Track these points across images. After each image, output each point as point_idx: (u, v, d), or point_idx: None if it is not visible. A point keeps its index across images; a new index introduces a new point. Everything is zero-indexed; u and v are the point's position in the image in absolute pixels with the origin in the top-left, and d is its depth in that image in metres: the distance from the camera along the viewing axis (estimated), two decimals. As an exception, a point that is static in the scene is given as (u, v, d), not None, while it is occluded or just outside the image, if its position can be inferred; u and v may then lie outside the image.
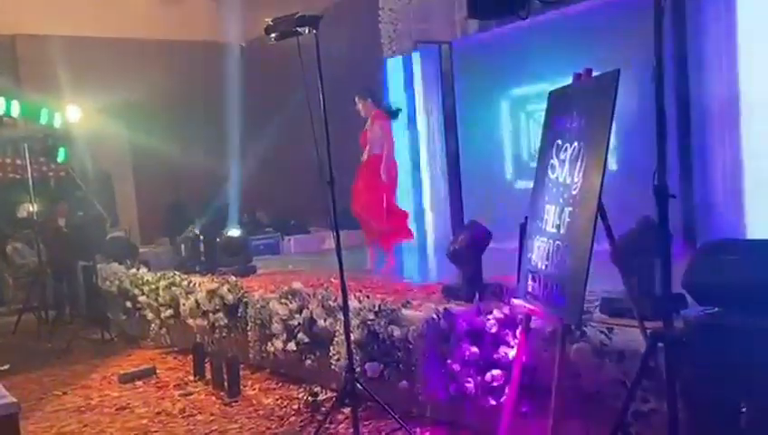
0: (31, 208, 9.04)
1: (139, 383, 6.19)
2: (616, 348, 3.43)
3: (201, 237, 8.23)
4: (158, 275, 7.62)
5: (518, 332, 3.82)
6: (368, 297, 4.98)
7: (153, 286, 7.47)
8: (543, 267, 3.48)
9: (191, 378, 6.19)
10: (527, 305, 3.62)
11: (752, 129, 6.03)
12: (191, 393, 5.79)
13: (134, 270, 8.19)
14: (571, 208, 3.30)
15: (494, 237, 4.79)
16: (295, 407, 5.14)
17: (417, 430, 4.41)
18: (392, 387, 4.58)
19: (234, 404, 5.40)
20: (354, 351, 4.56)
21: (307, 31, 4.16)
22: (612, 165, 7.16)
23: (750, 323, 2.88)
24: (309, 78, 4.13)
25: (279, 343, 5.57)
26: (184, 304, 6.86)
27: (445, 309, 4.33)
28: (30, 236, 9.65)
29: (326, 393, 5.19)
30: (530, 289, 3.61)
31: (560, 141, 3.52)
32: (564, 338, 3.36)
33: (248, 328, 6.03)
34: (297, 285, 5.76)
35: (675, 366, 2.87)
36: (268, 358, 5.83)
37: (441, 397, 4.23)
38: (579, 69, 3.53)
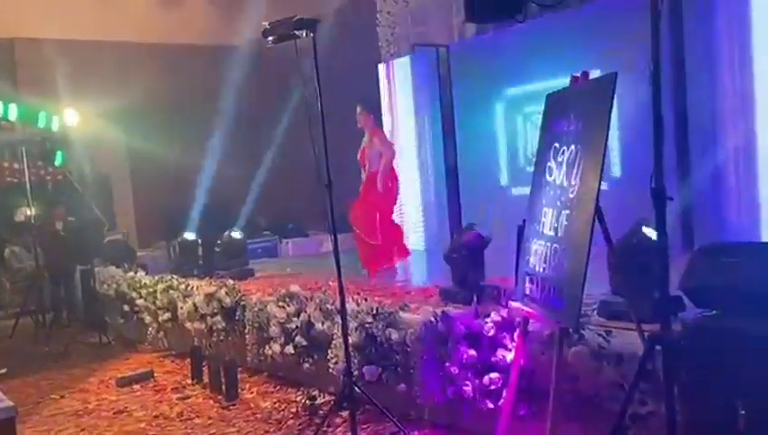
0: (28, 212, 9.02)
1: (136, 387, 6.19)
2: (614, 351, 3.43)
3: (199, 241, 8.23)
4: (156, 278, 7.61)
5: (516, 335, 3.82)
6: (365, 300, 4.98)
7: (151, 290, 7.46)
8: (541, 270, 3.48)
9: (189, 381, 6.18)
10: (525, 308, 3.61)
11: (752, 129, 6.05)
12: (189, 397, 5.79)
13: (132, 274, 8.18)
14: (568, 211, 3.30)
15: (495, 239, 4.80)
16: (293, 410, 5.13)
17: (416, 433, 4.41)
18: (390, 390, 4.58)
19: (231, 408, 5.40)
20: (352, 354, 4.56)
21: (305, 34, 4.16)
22: (616, 171, 7.14)
23: (748, 326, 2.88)
24: (307, 81, 4.14)
25: (277, 347, 5.56)
26: (182, 308, 6.85)
27: (442, 312, 4.33)
28: (27, 239, 9.63)
29: (324, 397, 5.19)
30: (527, 292, 3.61)
31: (557, 144, 3.52)
32: (562, 341, 3.35)
33: (246, 331, 6.03)
34: (295, 288, 5.76)
35: (672, 369, 2.87)
36: (266, 361, 5.83)
37: (439, 400, 4.23)
38: (576, 71, 3.54)
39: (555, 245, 3.37)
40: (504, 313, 4.00)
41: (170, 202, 11.35)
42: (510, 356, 3.83)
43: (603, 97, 3.19)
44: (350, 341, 4.58)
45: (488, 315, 4.06)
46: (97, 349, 7.82)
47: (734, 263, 3.10)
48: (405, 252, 7.40)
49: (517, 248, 3.80)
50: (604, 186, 6.58)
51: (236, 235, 8.10)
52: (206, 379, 6.00)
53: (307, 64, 4.16)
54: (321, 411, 4.95)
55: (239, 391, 5.65)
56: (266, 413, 5.18)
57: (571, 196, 3.29)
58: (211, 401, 5.60)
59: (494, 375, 3.90)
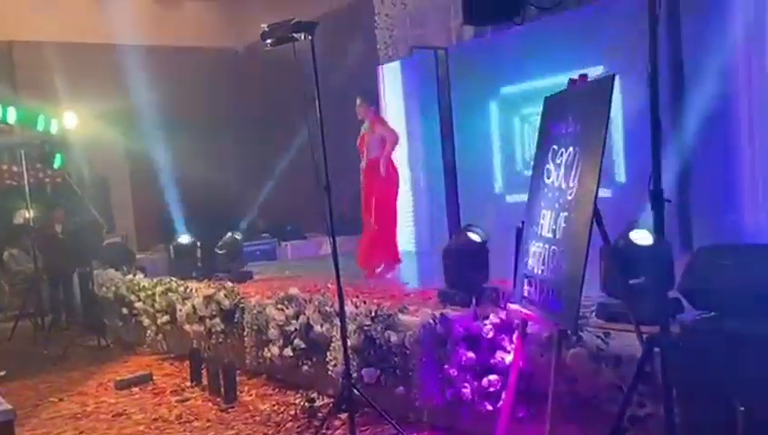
0: (27, 215, 9.02)
1: (135, 390, 6.18)
2: (612, 353, 3.43)
3: (198, 243, 8.23)
4: (155, 281, 7.61)
5: (514, 337, 3.83)
6: (364, 303, 4.98)
7: (149, 292, 7.46)
8: (539, 272, 3.48)
9: (188, 384, 6.18)
10: (523, 310, 3.62)
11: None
12: (188, 399, 5.78)
13: (130, 276, 8.18)
14: (566, 214, 3.30)
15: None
16: (292, 413, 5.13)
17: (414, 435, 4.41)
18: (389, 392, 4.58)
19: (230, 410, 5.39)
20: (351, 356, 4.56)
21: (303, 37, 4.17)
22: (620, 177, 7.07)
23: (746, 328, 2.88)
24: (305, 84, 4.14)
25: (276, 349, 5.56)
26: (180, 310, 6.85)
27: (441, 314, 4.33)
28: (26, 242, 9.63)
29: (323, 399, 5.19)
30: (526, 294, 3.61)
31: (555, 146, 3.53)
32: (560, 343, 3.36)
33: (245, 334, 6.02)
34: (294, 290, 5.76)
35: (671, 371, 2.87)
36: (265, 364, 5.83)
37: (438, 402, 4.23)
38: (574, 74, 3.54)
39: (554, 247, 3.38)
40: (503, 315, 4.01)
41: (169, 205, 11.34)
42: (509, 358, 3.84)
43: (602, 99, 3.19)
44: (349, 343, 4.58)
45: (487, 317, 4.07)
46: (96, 352, 7.82)
47: (733, 265, 3.11)
48: (395, 258, 7.31)
49: (516, 250, 3.81)
50: (608, 192, 6.58)
51: (235, 237, 8.10)
52: (204, 381, 5.99)
53: (306, 67, 4.16)
54: (320, 414, 4.94)
55: (238, 393, 5.65)
56: (265, 416, 5.18)
57: (570, 198, 3.29)
58: (210, 404, 5.59)
59: (492, 377, 3.90)
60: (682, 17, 6.34)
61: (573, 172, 3.29)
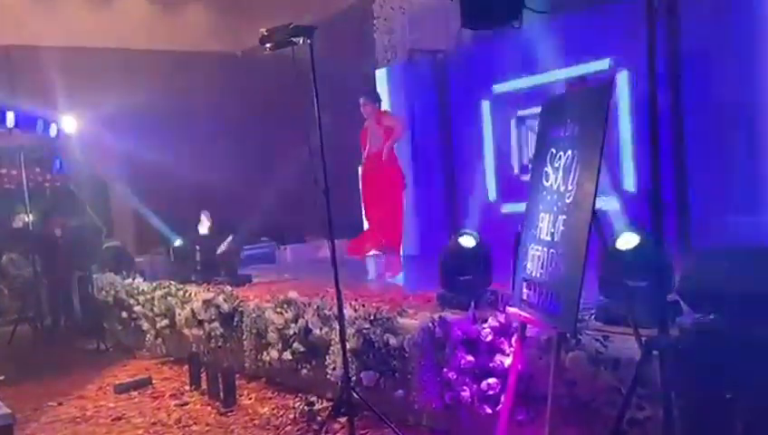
0: (26, 219, 9.02)
1: (134, 394, 6.18)
2: (611, 356, 3.44)
3: (197, 247, 8.22)
4: (154, 284, 7.61)
5: (513, 340, 3.83)
6: (363, 306, 4.98)
7: (149, 296, 7.46)
8: (538, 275, 3.49)
9: (187, 388, 6.18)
10: (522, 314, 3.62)
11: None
12: (187, 403, 5.78)
13: (130, 280, 8.18)
14: (565, 217, 3.31)
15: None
16: (291, 416, 5.13)
17: (413, 438, 4.41)
18: (388, 396, 4.58)
19: (230, 414, 5.39)
20: (350, 360, 4.56)
21: (302, 41, 4.18)
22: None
23: (745, 330, 2.88)
24: (305, 87, 4.15)
25: (275, 353, 5.56)
26: (179, 314, 6.85)
27: (440, 317, 4.33)
28: (25, 246, 9.62)
29: (322, 403, 5.18)
30: (525, 297, 3.62)
31: (554, 150, 3.54)
32: (559, 346, 3.37)
33: (244, 337, 6.02)
34: (293, 294, 5.76)
35: (670, 373, 2.88)
36: (264, 367, 5.83)
37: (437, 405, 4.23)
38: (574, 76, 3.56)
39: (552, 250, 3.38)
40: (502, 318, 4.01)
41: (169, 208, 11.34)
42: (508, 361, 3.84)
43: (600, 102, 3.21)
44: (348, 346, 4.58)
45: (486, 321, 4.07)
46: (95, 356, 7.82)
47: (731, 267, 3.11)
48: (396, 243, 7.26)
49: (514, 253, 3.81)
50: (615, 202, 6.49)
51: (234, 241, 8.10)
52: (204, 385, 5.99)
53: (306, 71, 4.18)
54: (319, 417, 4.94)
55: (237, 397, 5.64)
56: (264, 419, 5.18)
57: (568, 201, 3.30)
58: (209, 408, 5.59)
59: (491, 380, 3.90)
60: (682, 15, 6.33)
61: (572, 175, 3.30)
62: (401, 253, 7.36)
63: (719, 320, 3.08)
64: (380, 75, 9.71)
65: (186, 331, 6.72)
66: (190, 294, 6.91)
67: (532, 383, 3.71)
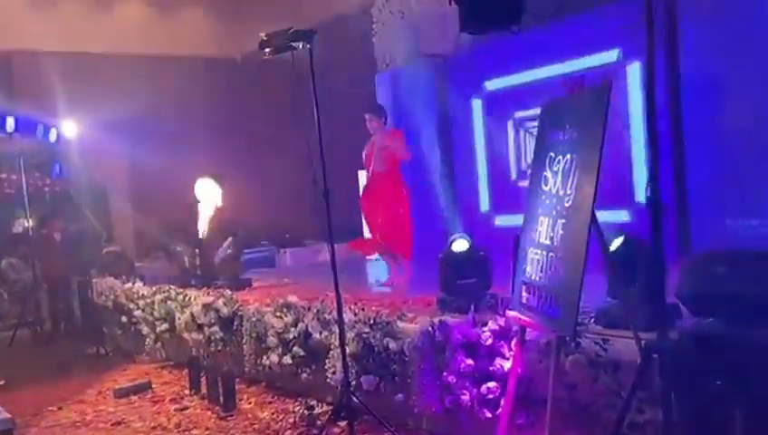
0: (26, 223, 9.03)
1: (134, 398, 6.17)
2: (611, 359, 3.44)
3: (197, 251, 8.22)
4: (154, 289, 7.60)
5: (513, 343, 3.83)
6: (363, 310, 4.98)
7: (148, 300, 7.46)
8: (538, 279, 3.50)
9: (187, 392, 6.17)
10: (522, 317, 3.63)
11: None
12: (187, 408, 5.78)
13: (129, 284, 8.18)
14: (564, 220, 3.32)
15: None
16: (291, 421, 5.12)
17: (413, 442, 4.41)
18: (388, 400, 4.58)
19: (229, 418, 5.39)
20: (350, 364, 4.57)
21: (301, 46, 4.19)
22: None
23: (744, 334, 2.89)
24: (305, 92, 4.17)
25: (275, 357, 5.56)
26: (179, 318, 6.85)
27: (440, 321, 4.33)
28: (25, 250, 9.63)
29: (322, 407, 5.18)
30: (524, 300, 3.62)
31: (552, 153, 3.55)
32: (559, 349, 3.37)
33: (244, 342, 6.02)
34: (292, 298, 5.76)
35: (670, 377, 2.88)
36: (264, 371, 5.82)
37: (437, 409, 4.23)
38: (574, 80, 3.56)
39: (551, 253, 3.39)
40: (502, 321, 4.01)
41: (169, 213, 11.36)
42: (507, 365, 3.84)
43: (599, 106, 3.22)
44: (348, 350, 4.59)
45: (485, 324, 4.07)
46: (95, 360, 7.81)
47: (730, 270, 3.12)
48: (405, 249, 7.08)
49: (514, 257, 3.82)
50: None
51: (234, 245, 8.09)
52: (203, 389, 5.98)
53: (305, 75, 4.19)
54: (318, 422, 4.94)
55: (237, 401, 5.64)
56: (264, 424, 5.17)
57: (567, 205, 3.31)
58: (209, 412, 5.59)
59: (491, 384, 3.91)
60: (680, 21, 6.32)
61: (571, 179, 3.31)
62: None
63: (718, 323, 3.08)
64: (380, 80, 9.72)
65: (185, 335, 6.72)
66: (190, 299, 6.91)
67: (531, 387, 3.71)
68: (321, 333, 5.20)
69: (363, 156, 7.06)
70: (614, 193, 6.20)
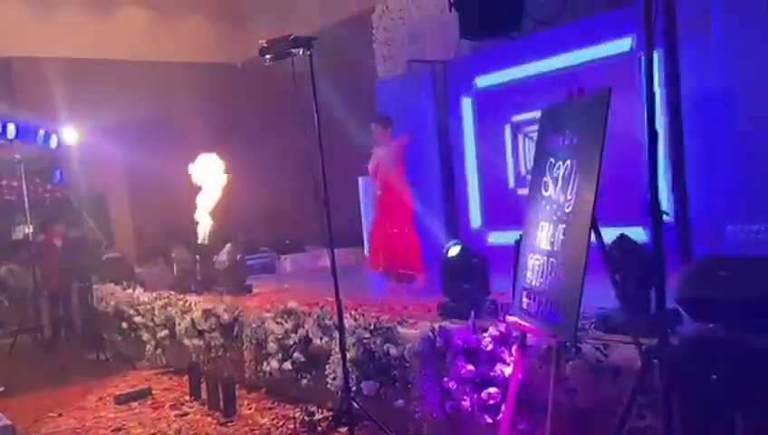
0: (26, 230, 9.03)
1: (134, 404, 6.17)
2: (611, 364, 3.44)
3: (197, 257, 8.23)
4: (154, 295, 7.61)
5: (514, 349, 3.83)
6: (363, 316, 4.98)
7: (149, 306, 7.46)
8: (538, 284, 3.50)
9: (187, 398, 6.17)
10: (522, 323, 3.63)
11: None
12: (187, 414, 5.77)
13: (130, 290, 8.18)
14: (564, 226, 3.32)
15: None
16: (291, 426, 5.12)
17: (414, 448, 4.41)
18: (388, 405, 4.58)
19: (230, 424, 5.38)
20: (350, 369, 4.56)
21: (301, 52, 4.21)
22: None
23: (745, 339, 2.89)
24: (304, 98, 4.17)
25: (275, 363, 5.56)
26: (179, 324, 6.85)
27: (440, 327, 4.33)
28: (25, 257, 9.63)
29: (322, 413, 5.17)
30: (525, 306, 3.62)
31: (552, 159, 3.55)
32: (560, 355, 3.37)
33: (244, 348, 6.02)
34: (293, 304, 5.77)
35: (670, 382, 2.88)
36: (264, 377, 5.82)
37: (437, 415, 4.22)
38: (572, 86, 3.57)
39: (552, 259, 3.39)
40: (502, 327, 4.01)
41: (168, 219, 11.37)
42: (508, 370, 3.84)
43: (598, 111, 3.22)
44: (348, 356, 4.59)
45: (486, 330, 4.07)
46: (95, 366, 7.80)
47: (730, 276, 3.12)
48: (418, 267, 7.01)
49: (514, 263, 3.82)
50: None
51: (234, 251, 8.09)
52: (204, 395, 5.98)
53: (305, 81, 4.20)
54: (319, 428, 4.93)
55: (237, 407, 5.63)
56: (264, 430, 5.17)
57: (567, 210, 3.31)
58: (209, 418, 5.58)
59: (492, 390, 3.90)
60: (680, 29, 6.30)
61: (571, 185, 3.31)
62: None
63: (719, 328, 3.08)
64: (380, 86, 9.74)
65: (186, 341, 6.72)
66: (190, 305, 6.91)
67: (532, 392, 3.71)
68: (321, 338, 5.20)
69: (369, 169, 7.02)
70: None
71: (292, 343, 5.43)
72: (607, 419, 3.35)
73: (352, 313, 5.05)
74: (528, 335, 3.69)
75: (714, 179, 6.04)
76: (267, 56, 4.33)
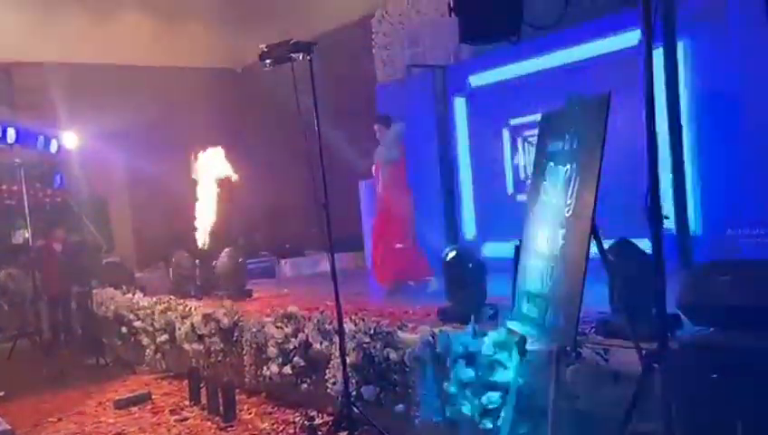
0: (26, 234, 9.02)
1: (134, 409, 6.16)
2: (612, 369, 3.43)
3: (197, 262, 8.23)
4: (154, 299, 7.60)
5: (514, 354, 3.82)
6: (363, 320, 4.97)
7: (148, 311, 7.45)
8: (538, 289, 3.49)
9: (187, 403, 6.16)
10: (522, 327, 3.62)
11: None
12: (187, 418, 5.76)
13: (129, 295, 8.17)
14: (564, 230, 3.32)
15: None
16: (291, 431, 5.11)
17: (414, 453, 4.39)
18: (388, 410, 4.56)
19: (229, 429, 5.37)
20: (350, 374, 4.55)
21: (301, 57, 4.21)
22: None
23: (745, 344, 2.89)
24: (304, 103, 4.18)
25: (275, 367, 5.55)
26: (179, 329, 6.84)
27: (440, 331, 4.33)
28: (25, 261, 9.62)
29: (322, 417, 5.17)
30: (525, 310, 3.62)
31: (552, 163, 3.55)
32: (560, 360, 3.36)
33: (244, 352, 6.01)
34: (292, 308, 5.76)
35: (671, 387, 2.87)
36: (264, 382, 5.81)
37: (437, 420, 4.21)
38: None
39: (552, 263, 3.39)
40: (502, 332, 4.00)
41: (169, 223, 11.38)
42: (508, 375, 3.83)
43: (598, 116, 3.22)
44: (348, 361, 4.58)
45: (486, 335, 4.06)
46: (94, 371, 7.79)
47: (731, 281, 3.12)
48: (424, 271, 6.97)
49: (514, 267, 3.82)
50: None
51: (233, 255, 8.09)
52: (203, 400, 5.97)
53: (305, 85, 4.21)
54: (319, 432, 4.93)
55: (237, 412, 5.62)
56: (264, 434, 5.16)
57: (567, 214, 3.31)
58: (209, 423, 5.57)
59: (492, 395, 3.89)
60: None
61: (571, 189, 3.31)
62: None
63: (719, 333, 3.08)
64: (380, 91, 9.74)
65: (185, 346, 6.71)
66: (190, 309, 6.90)
67: (532, 397, 3.70)
68: (321, 343, 5.19)
69: (374, 169, 7.05)
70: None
71: (292, 347, 5.42)
72: (608, 423, 3.34)
73: (352, 317, 5.04)
74: (528, 340, 3.68)
75: (721, 181, 5.97)
76: (267, 61, 4.34)
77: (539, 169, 3.75)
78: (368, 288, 7.61)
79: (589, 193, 3.16)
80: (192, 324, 6.62)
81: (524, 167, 7.46)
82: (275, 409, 5.70)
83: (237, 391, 5.89)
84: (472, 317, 4.42)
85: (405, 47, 9.29)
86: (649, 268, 3.37)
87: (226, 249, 8.09)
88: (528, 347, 3.72)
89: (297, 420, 5.28)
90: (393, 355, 4.56)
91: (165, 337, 7.10)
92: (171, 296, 7.55)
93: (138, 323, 7.54)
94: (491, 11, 4.10)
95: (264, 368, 5.69)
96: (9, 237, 10.77)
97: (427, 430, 4.47)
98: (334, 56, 8.84)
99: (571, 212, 3.30)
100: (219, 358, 6.35)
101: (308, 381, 5.30)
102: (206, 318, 6.46)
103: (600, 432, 3.36)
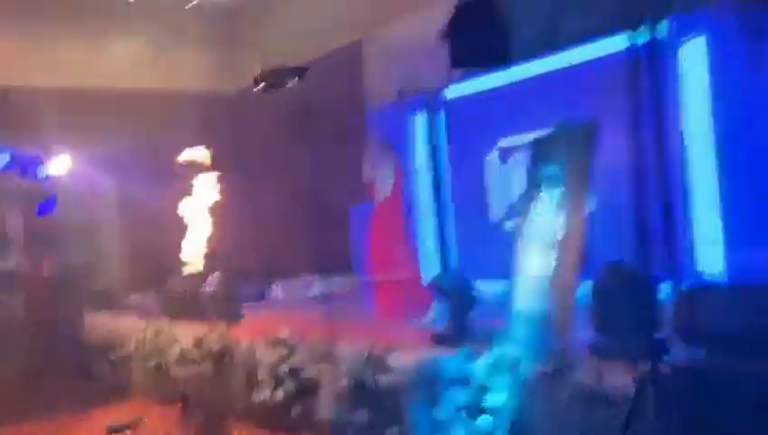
0: (14, 259, 8.98)
1: (125, 435, 6.12)
2: (605, 391, 3.44)
3: (189, 285, 8.19)
4: (145, 324, 7.56)
5: (507, 377, 3.82)
6: (356, 344, 4.96)
7: (139, 336, 7.41)
8: (531, 311, 3.51)
9: (178, 428, 6.10)
10: (516, 350, 3.63)
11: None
12: (177, 444, 5.72)
13: (120, 320, 8.13)
14: (554, 253, 3.34)
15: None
16: (283, 457, 5.08)
17: (407, 478, 4.37)
18: (381, 435, 4.55)
19: (221, 455, 5.33)
20: (342, 399, 4.53)
21: (295, 81, 4.26)
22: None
23: (737, 367, 2.90)
24: (297, 127, 4.21)
25: (266, 392, 5.51)
26: (170, 354, 6.80)
27: (433, 355, 4.32)
28: (13, 286, 9.57)
29: (314, 443, 5.14)
30: (518, 333, 3.63)
31: (542, 187, 3.58)
32: (553, 381, 3.36)
33: (235, 377, 5.98)
34: (284, 332, 5.74)
35: (663, 409, 2.88)
36: (255, 407, 5.77)
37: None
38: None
39: (543, 285, 3.41)
40: (495, 355, 4.00)
41: (161, 247, 11.33)
42: (502, 398, 3.83)
43: (587, 141, 3.26)
44: (341, 385, 4.56)
45: (479, 358, 4.06)
46: (85, 397, 7.72)
47: (724, 304, 3.14)
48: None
49: (507, 290, 3.83)
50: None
51: (224, 278, 8.06)
52: (195, 425, 5.92)
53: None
54: (311, 458, 4.90)
55: (229, 437, 5.59)
56: (256, 460, 5.13)
57: (557, 237, 3.34)
58: (201, 449, 5.53)
59: (485, 418, 3.89)
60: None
61: (561, 212, 3.34)
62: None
63: (712, 356, 3.10)
64: (371, 115, 9.77)
65: (176, 371, 6.67)
66: (181, 334, 6.87)
67: (526, 420, 3.70)
68: (313, 367, 5.17)
69: (368, 190, 7.07)
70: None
71: (283, 372, 5.40)
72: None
73: (344, 341, 5.03)
74: (520, 362, 3.69)
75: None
76: (261, 85, 4.37)
77: (529, 192, 3.78)
78: (360, 311, 7.59)
79: (578, 216, 3.19)
80: (182, 349, 6.59)
81: (509, 193, 6.50)
82: (267, 434, 5.66)
83: (229, 415, 5.85)
84: (464, 341, 4.44)
85: (396, 72, 9.34)
86: (641, 291, 3.41)
87: (218, 273, 8.06)
88: (520, 369, 3.73)
89: (289, 445, 5.25)
90: (386, 380, 4.55)
91: (155, 362, 7.05)
92: (162, 320, 7.51)
93: (128, 349, 7.50)
94: (482, 37, 4.15)
95: (256, 393, 5.66)
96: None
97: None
98: (327, 80, 8.89)
99: (561, 235, 3.32)
100: (211, 383, 6.31)
101: (300, 405, 5.27)
102: (197, 343, 6.43)
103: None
